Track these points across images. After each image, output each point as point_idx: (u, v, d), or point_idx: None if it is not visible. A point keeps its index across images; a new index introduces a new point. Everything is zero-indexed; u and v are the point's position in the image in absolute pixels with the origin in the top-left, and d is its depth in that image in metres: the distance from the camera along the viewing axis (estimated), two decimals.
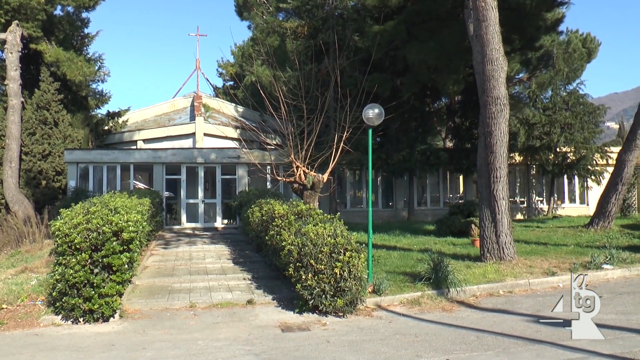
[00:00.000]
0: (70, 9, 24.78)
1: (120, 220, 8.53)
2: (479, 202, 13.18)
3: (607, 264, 11.45)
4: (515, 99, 24.60)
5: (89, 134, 25.02)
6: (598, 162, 24.99)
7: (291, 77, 18.44)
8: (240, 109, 29.36)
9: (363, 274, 8.87)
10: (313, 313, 8.59)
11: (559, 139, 23.85)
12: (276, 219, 10.80)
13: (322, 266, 8.42)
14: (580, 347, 6.47)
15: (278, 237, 10.05)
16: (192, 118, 27.38)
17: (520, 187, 27.40)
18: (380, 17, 19.46)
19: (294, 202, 11.92)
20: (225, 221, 21.92)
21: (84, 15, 25.88)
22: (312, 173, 12.67)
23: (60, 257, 8.31)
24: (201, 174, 21.82)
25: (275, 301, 9.40)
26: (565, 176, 26.28)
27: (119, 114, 27.62)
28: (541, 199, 27.49)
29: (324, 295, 8.42)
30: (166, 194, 21.51)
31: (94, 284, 8.16)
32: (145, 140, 26.62)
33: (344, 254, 8.50)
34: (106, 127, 27.14)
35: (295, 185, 12.93)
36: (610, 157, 24.25)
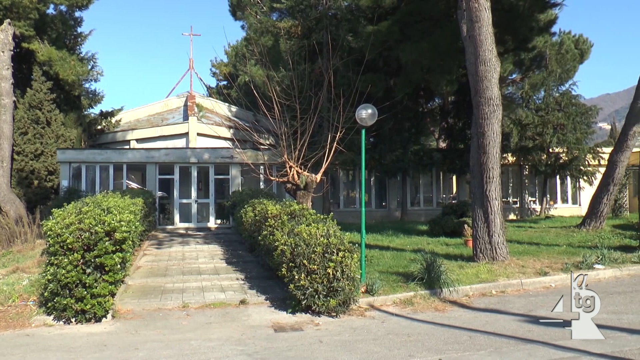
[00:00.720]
0: (63, 7, 24.61)
1: (113, 220, 8.50)
2: (471, 203, 13.21)
3: (599, 263, 11.52)
4: (508, 99, 24.66)
5: (81, 134, 24.89)
6: (590, 163, 25.16)
7: (285, 77, 18.44)
8: (234, 108, 29.33)
9: (356, 274, 8.88)
10: (306, 313, 8.59)
11: (552, 139, 23.97)
12: (269, 219, 10.79)
13: (315, 266, 8.42)
14: (572, 346, 6.50)
15: (271, 237, 10.05)
16: (186, 118, 27.29)
17: (513, 187, 27.50)
18: (374, 17, 19.46)
19: (287, 202, 11.92)
20: (219, 221, 21.88)
21: (77, 14, 25.71)
22: (305, 173, 12.67)
23: (52, 257, 8.26)
24: (194, 173, 21.77)
25: (268, 301, 9.39)
26: (557, 176, 26.44)
27: (112, 114, 27.48)
28: (534, 199, 27.61)
29: (316, 295, 8.42)
30: (159, 193, 21.46)
31: (86, 284, 8.12)
32: (138, 140, 26.52)
33: (337, 254, 8.51)
34: (99, 127, 27.01)
35: (289, 185, 12.92)
36: (602, 158, 24.43)
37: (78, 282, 8.11)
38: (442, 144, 28.18)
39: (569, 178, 26.63)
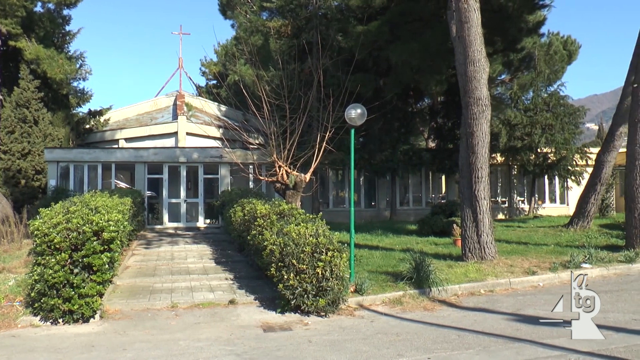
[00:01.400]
0: (51, 5, 24.48)
1: (101, 219, 8.44)
2: (460, 202, 13.27)
3: (586, 263, 11.62)
4: (497, 100, 24.86)
5: (69, 133, 24.71)
6: (578, 163, 25.36)
7: (274, 76, 18.42)
8: (223, 108, 29.25)
9: (345, 274, 8.89)
10: (295, 313, 8.58)
11: (540, 139, 24.12)
12: (258, 219, 10.77)
13: (304, 266, 8.42)
14: (559, 345, 6.55)
15: (260, 236, 10.02)
16: (175, 117, 27.19)
17: (502, 187, 27.67)
18: (364, 17, 19.49)
19: (276, 202, 11.91)
20: (208, 221, 21.80)
21: (65, 12, 25.64)
22: (295, 173, 12.67)
23: (39, 257, 8.19)
24: (183, 173, 21.68)
25: (257, 301, 9.38)
26: (546, 176, 26.67)
27: (100, 113, 27.33)
28: (522, 199, 27.80)
29: (306, 295, 8.42)
30: (148, 193, 21.33)
31: (74, 284, 8.06)
32: (127, 139, 26.39)
33: (326, 254, 8.51)
34: (87, 126, 26.85)
35: (278, 185, 12.92)
36: (589, 158, 24.66)
37: (65, 282, 8.05)
38: (432, 144, 28.27)
39: (557, 178, 26.87)
